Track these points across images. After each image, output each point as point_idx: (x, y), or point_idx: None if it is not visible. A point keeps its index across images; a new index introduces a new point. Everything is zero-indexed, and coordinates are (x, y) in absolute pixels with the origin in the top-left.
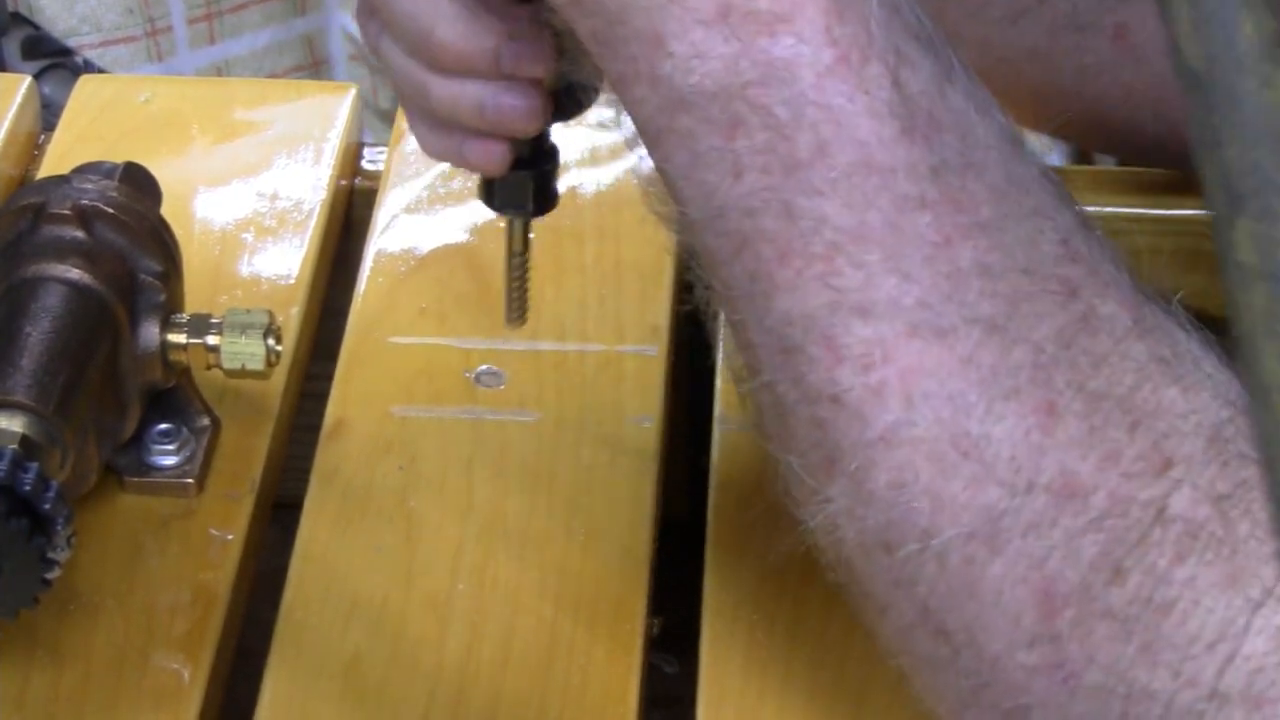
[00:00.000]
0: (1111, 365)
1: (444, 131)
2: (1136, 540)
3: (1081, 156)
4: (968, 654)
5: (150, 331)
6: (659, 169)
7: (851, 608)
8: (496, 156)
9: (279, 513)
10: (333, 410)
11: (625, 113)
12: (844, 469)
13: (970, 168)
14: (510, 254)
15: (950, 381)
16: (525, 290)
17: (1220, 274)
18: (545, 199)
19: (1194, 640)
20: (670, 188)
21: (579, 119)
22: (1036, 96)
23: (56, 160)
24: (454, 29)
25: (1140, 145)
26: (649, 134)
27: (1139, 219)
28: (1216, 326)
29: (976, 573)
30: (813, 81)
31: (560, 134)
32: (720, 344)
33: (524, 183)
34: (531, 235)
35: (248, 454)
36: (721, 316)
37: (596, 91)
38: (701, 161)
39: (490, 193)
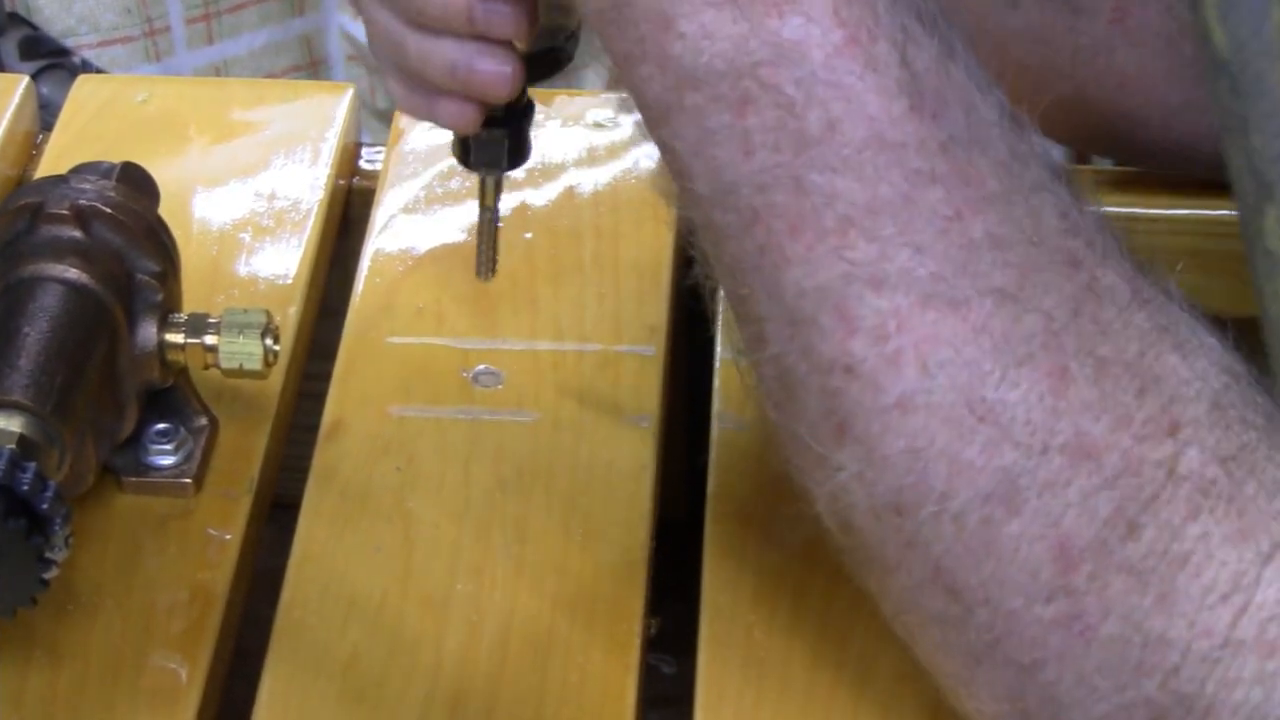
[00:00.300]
0: (1117, 333)
1: (417, 89)
2: (1150, 498)
3: (1078, 158)
4: (982, 610)
5: (148, 331)
6: (665, 146)
7: (852, 569)
8: (467, 116)
9: (277, 512)
10: (330, 410)
11: (628, 90)
12: (856, 435)
13: (976, 143)
14: (482, 208)
15: (965, 350)
16: (495, 244)
17: (1247, 261)
18: (518, 156)
19: (1208, 591)
20: (677, 163)
21: (555, 77)
22: (1030, 77)
23: (54, 160)
24: None
25: (1133, 140)
26: (656, 111)
27: (1136, 218)
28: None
29: (994, 532)
30: (822, 60)
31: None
32: (719, 320)
33: (498, 141)
34: (504, 189)
35: (245, 454)
36: (721, 293)
37: (571, 56)
38: (711, 138)
39: (464, 151)
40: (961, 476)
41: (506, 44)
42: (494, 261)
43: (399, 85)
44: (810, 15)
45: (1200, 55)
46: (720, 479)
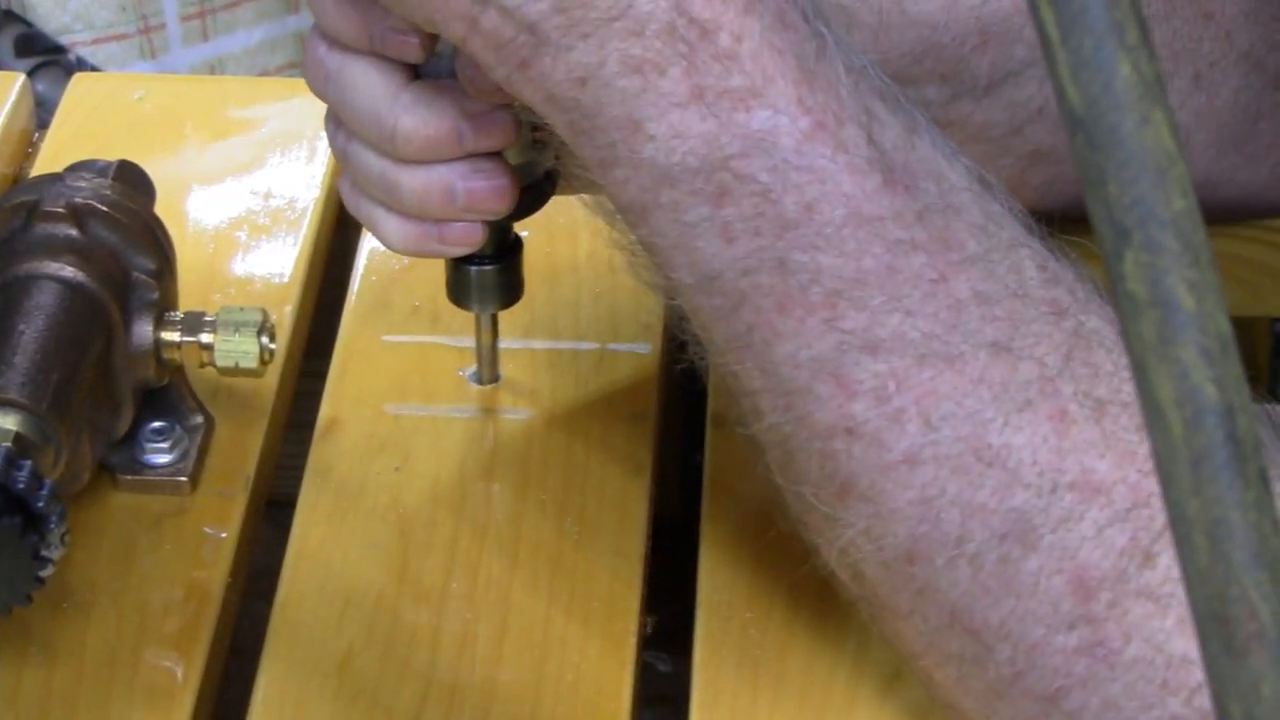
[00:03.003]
0: (1109, 374)
1: (417, 224)
2: (1161, 528)
3: None
4: (1003, 646)
5: (144, 329)
6: (646, 243)
7: (867, 618)
8: (475, 236)
9: (272, 510)
10: (326, 408)
11: (606, 194)
12: (861, 493)
13: (950, 209)
14: (479, 344)
15: (966, 401)
16: (495, 361)
17: (1115, 304)
18: (512, 292)
19: None
20: (659, 257)
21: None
22: (1043, 191)
23: (50, 158)
24: (415, 116)
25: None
26: (634, 211)
27: None
28: None
29: (1012, 570)
30: (793, 147)
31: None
32: (710, 393)
33: (492, 279)
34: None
35: (241, 452)
36: (712, 370)
37: (551, 192)
38: (691, 231)
39: (459, 291)
40: (975, 519)
41: (497, 158)
42: (494, 376)
43: (397, 225)
44: (776, 106)
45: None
46: (716, 477)
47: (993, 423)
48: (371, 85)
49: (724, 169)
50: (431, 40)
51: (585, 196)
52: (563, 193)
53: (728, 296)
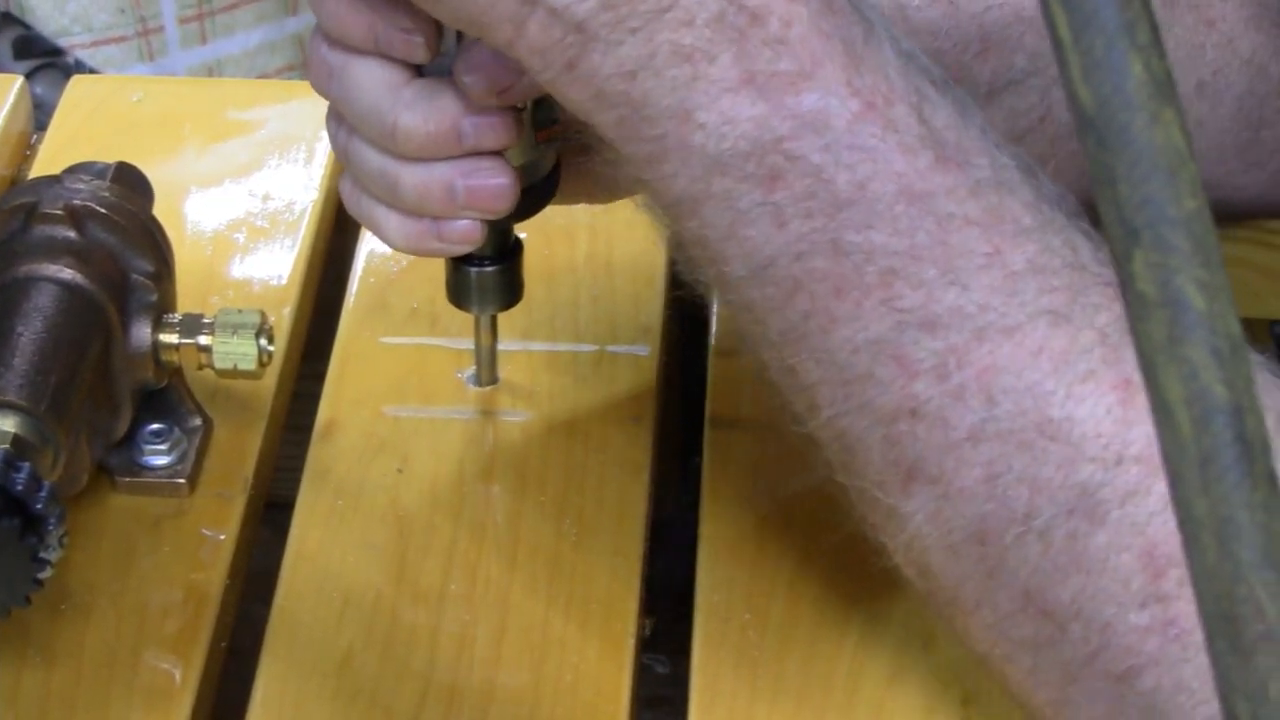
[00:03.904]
0: None
1: (416, 220)
2: None
3: None
4: (1076, 625)
5: (142, 331)
6: (695, 238)
7: (935, 613)
8: (475, 234)
9: (271, 512)
10: (325, 410)
11: (650, 194)
12: (929, 476)
13: (1003, 185)
14: (479, 345)
15: (1026, 374)
16: (494, 364)
17: (1125, 303)
18: (512, 294)
19: None
20: (708, 251)
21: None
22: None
23: (48, 160)
24: (416, 113)
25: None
26: (683, 204)
27: None
28: None
29: (1081, 545)
30: (844, 127)
31: None
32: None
33: (491, 281)
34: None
35: (240, 454)
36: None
37: (552, 193)
38: (743, 218)
39: (459, 292)
40: (1042, 495)
41: (498, 157)
42: (493, 378)
43: (397, 223)
44: (826, 88)
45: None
46: (714, 479)
47: (1054, 395)
48: (374, 82)
49: (776, 151)
50: (437, 40)
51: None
52: (595, 200)
53: (781, 284)
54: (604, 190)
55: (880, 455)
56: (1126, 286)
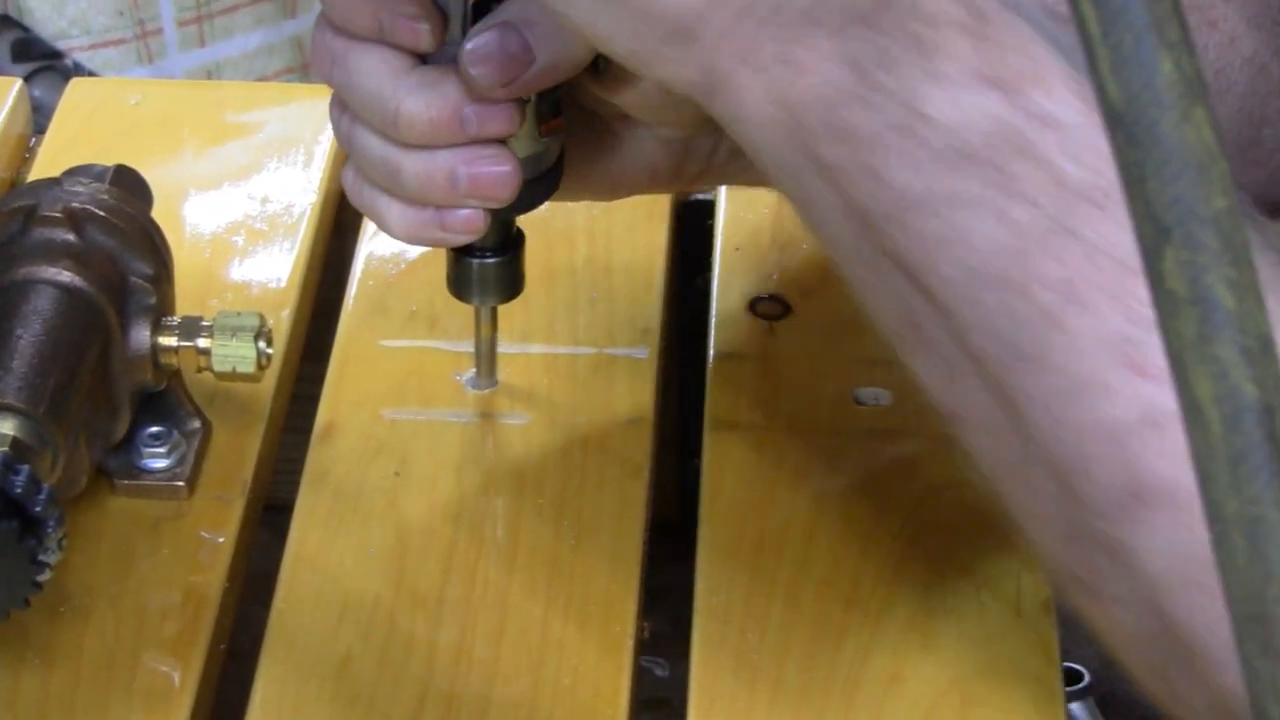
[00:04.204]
0: None
1: (418, 208)
2: None
3: None
4: None
5: (141, 334)
6: (900, 251)
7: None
8: (477, 223)
9: (270, 515)
10: (323, 413)
11: (845, 218)
12: (1164, 494)
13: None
14: (479, 338)
15: None
16: (494, 360)
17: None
18: (514, 286)
19: None
20: (921, 259)
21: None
22: None
23: (47, 163)
24: (419, 99)
25: None
26: (899, 211)
27: None
28: None
29: None
30: (1075, 124)
31: None
32: (708, 396)
33: (493, 272)
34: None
35: (238, 456)
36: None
37: (557, 184)
38: (969, 218)
39: (460, 283)
40: None
41: (501, 145)
42: (493, 374)
43: (400, 211)
44: (1052, 92)
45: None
46: (713, 481)
47: None
48: (377, 69)
49: (1012, 146)
50: (442, 28)
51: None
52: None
53: (1007, 288)
54: (608, 188)
55: (1106, 475)
56: (1156, 284)
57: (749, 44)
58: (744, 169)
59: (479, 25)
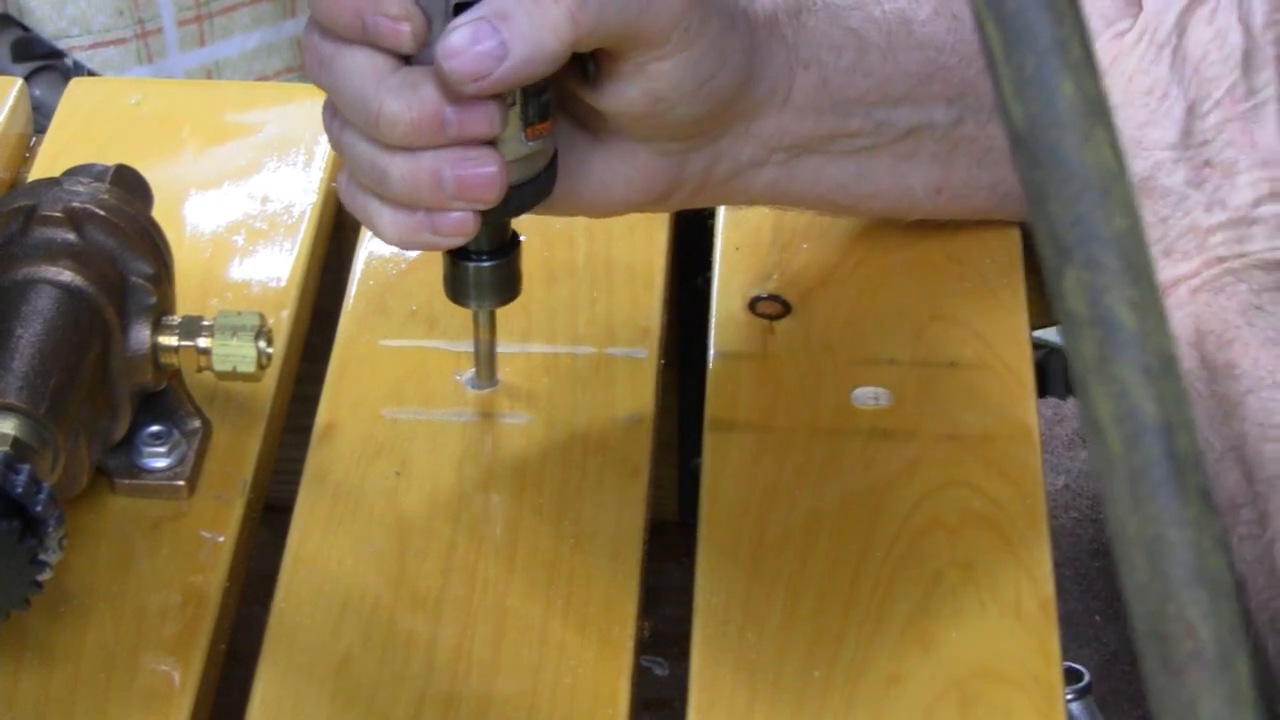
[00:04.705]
0: None
1: (409, 212)
2: None
3: None
4: None
5: (141, 333)
6: None
7: None
8: (468, 225)
9: (270, 515)
10: (323, 413)
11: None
12: None
13: None
14: (477, 341)
15: None
16: (493, 361)
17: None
18: (510, 289)
19: None
20: None
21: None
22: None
23: (48, 163)
24: (400, 100)
25: None
26: None
27: None
28: None
29: None
30: None
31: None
32: (708, 397)
33: (489, 276)
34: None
35: (238, 456)
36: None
37: (551, 186)
38: None
39: (456, 286)
40: None
41: (488, 147)
42: (493, 375)
43: (390, 216)
44: None
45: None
46: (713, 481)
47: None
48: (361, 70)
49: None
50: (425, 30)
51: None
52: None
53: None
54: (600, 205)
55: None
56: (1058, 304)
57: None
58: (740, 190)
59: (455, 21)
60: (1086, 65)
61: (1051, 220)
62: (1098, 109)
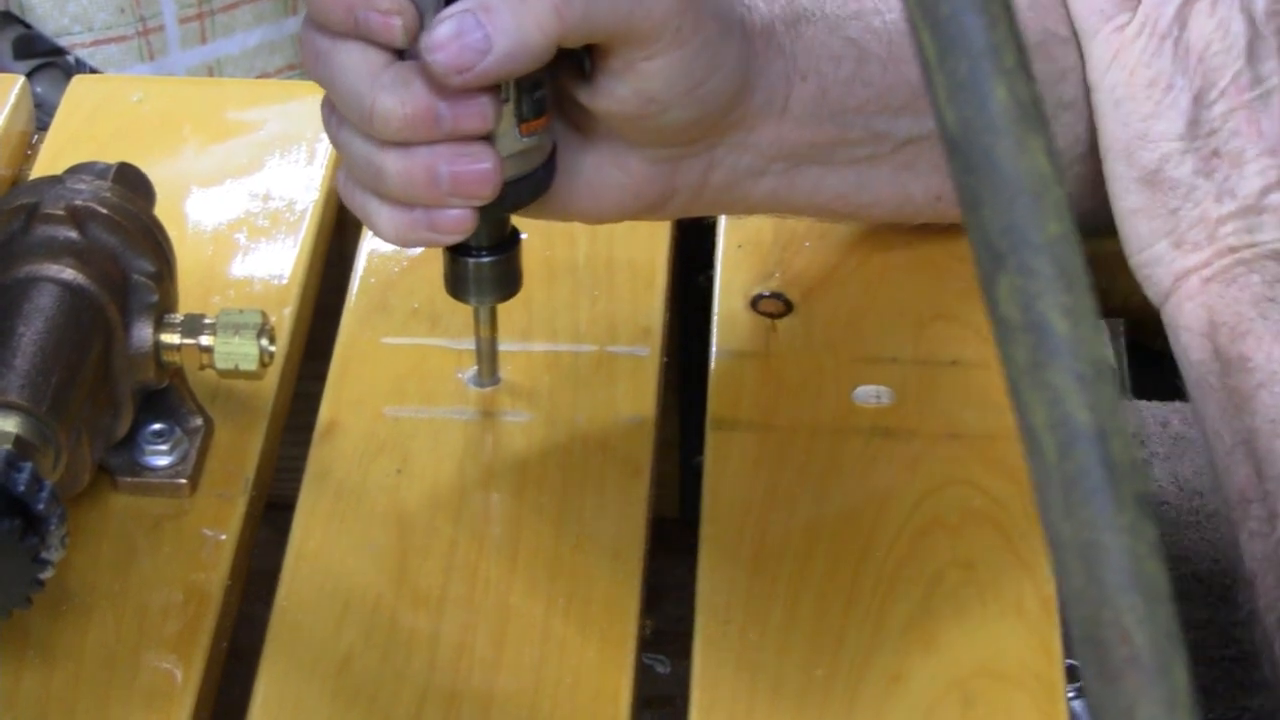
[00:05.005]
0: None
1: (406, 210)
2: None
3: None
4: None
5: (143, 331)
6: None
7: None
8: (465, 222)
9: (272, 513)
10: (325, 411)
11: None
12: None
13: None
14: (478, 337)
15: None
16: (495, 359)
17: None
18: (510, 285)
19: None
20: None
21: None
22: None
23: (49, 160)
24: (393, 95)
25: None
26: None
27: None
28: None
29: None
30: None
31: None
32: (710, 395)
33: (489, 272)
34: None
35: (240, 454)
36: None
37: (549, 182)
38: None
39: (456, 283)
40: None
41: (483, 142)
42: (494, 372)
43: (388, 214)
44: None
45: None
46: (715, 479)
47: None
48: (355, 65)
49: None
50: (417, 25)
51: None
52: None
53: None
54: (593, 210)
55: None
56: (992, 310)
57: None
58: (738, 200)
59: (441, 13)
60: (1020, 71)
61: (985, 226)
62: (1031, 114)
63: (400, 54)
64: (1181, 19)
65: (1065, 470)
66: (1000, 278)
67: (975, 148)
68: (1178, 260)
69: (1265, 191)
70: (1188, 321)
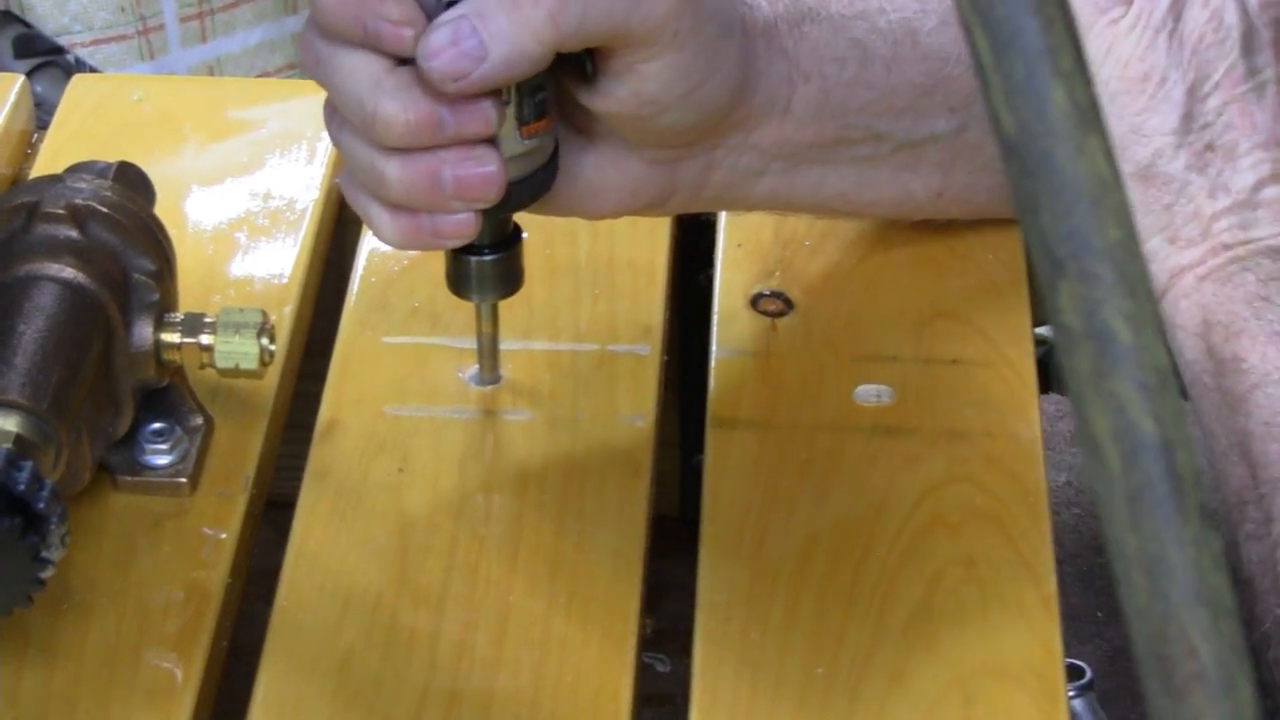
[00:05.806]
0: None
1: (408, 214)
2: None
3: None
4: None
5: (144, 330)
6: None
7: None
8: (469, 226)
9: (272, 511)
10: (326, 409)
11: None
12: None
13: None
14: (480, 334)
15: None
16: (496, 355)
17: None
18: (512, 282)
19: None
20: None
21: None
22: None
23: (50, 159)
24: (396, 101)
25: None
26: None
27: None
28: None
29: None
30: None
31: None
32: (711, 394)
33: (491, 269)
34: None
35: (241, 453)
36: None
37: (551, 182)
38: None
39: (458, 280)
40: None
41: (485, 144)
42: (495, 369)
43: (389, 219)
44: None
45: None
46: (715, 478)
47: None
48: (358, 72)
49: None
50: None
51: None
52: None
53: None
54: (592, 208)
55: None
56: (1053, 318)
57: None
58: (739, 198)
59: (437, 20)
60: (1078, 72)
61: (1044, 232)
62: (1090, 117)
63: (401, 59)
64: (1176, 11)
65: (1130, 482)
66: (1061, 284)
67: (1034, 152)
68: (1172, 257)
69: (1259, 186)
70: (1183, 320)
